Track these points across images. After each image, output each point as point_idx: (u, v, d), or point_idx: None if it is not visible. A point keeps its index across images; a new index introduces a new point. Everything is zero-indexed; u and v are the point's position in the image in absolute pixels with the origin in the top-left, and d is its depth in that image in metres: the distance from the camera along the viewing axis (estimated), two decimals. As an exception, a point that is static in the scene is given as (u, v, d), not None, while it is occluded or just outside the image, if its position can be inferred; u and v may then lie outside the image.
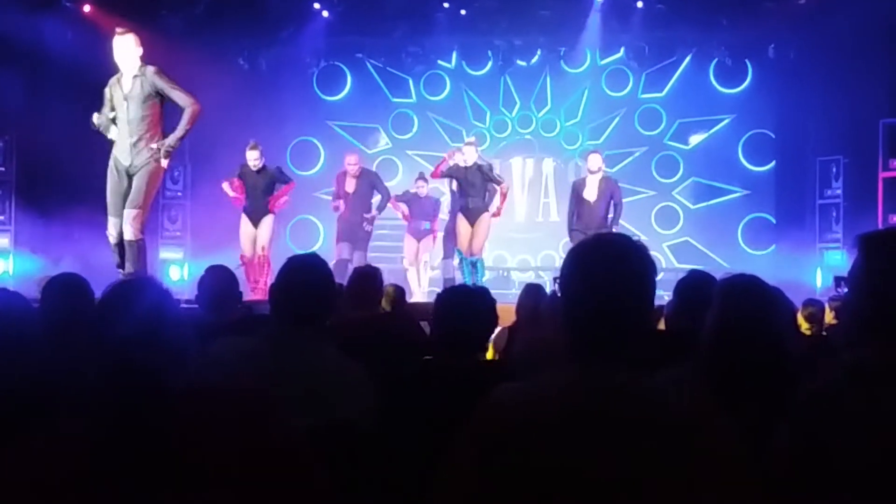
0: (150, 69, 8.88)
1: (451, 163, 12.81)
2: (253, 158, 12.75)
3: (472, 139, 13.49)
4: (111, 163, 9.13)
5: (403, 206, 14.01)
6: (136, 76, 8.92)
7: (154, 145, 8.88)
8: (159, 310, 2.46)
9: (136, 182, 8.96)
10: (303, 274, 3.78)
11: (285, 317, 3.71)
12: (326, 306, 3.82)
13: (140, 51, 8.96)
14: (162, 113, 9.13)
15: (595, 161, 13.12)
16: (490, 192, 12.97)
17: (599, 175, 13.06)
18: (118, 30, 9.14)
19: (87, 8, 14.03)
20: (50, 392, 2.91)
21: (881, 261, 2.51)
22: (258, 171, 12.84)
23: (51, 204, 13.73)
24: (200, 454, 2.27)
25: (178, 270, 15.73)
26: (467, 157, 12.73)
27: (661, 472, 2.14)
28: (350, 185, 13.82)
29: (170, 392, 2.34)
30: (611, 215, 13.03)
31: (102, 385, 2.38)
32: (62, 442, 2.30)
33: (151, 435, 2.27)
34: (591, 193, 12.99)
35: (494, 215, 12.85)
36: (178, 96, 8.95)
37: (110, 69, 13.09)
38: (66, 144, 13.45)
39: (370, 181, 13.93)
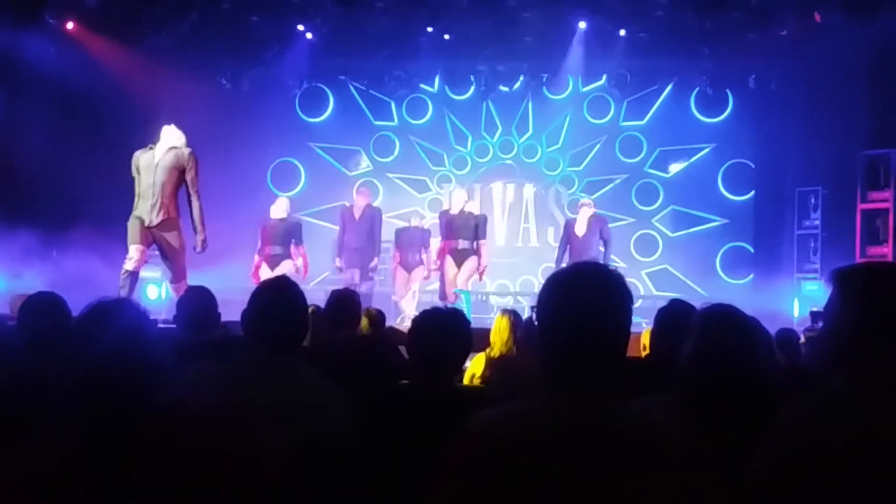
0: (188, 150, 10.32)
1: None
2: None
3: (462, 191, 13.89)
4: (133, 217, 10.25)
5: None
6: (172, 147, 10.19)
7: (197, 245, 10.50)
8: (136, 330, 2.46)
9: (170, 255, 10.45)
10: (273, 299, 3.78)
11: (258, 342, 3.70)
12: (298, 330, 3.82)
13: (183, 137, 10.36)
14: (180, 184, 10.28)
15: (585, 213, 13.55)
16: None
17: (588, 216, 13.36)
18: (169, 125, 10.52)
19: (70, 25, 14.00)
20: (26, 408, 2.90)
21: (854, 295, 2.54)
22: (281, 221, 13.21)
23: (30, 222, 13.66)
24: (176, 473, 2.27)
25: (156, 290, 15.66)
26: (454, 203, 13.24)
27: (639, 498, 2.14)
28: (357, 213, 13.97)
29: (146, 411, 2.34)
30: (601, 249, 13.29)
31: (79, 403, 2.38)
32: (38, 458, 2.29)
33: (127, 452, 2.27)
34: (580, 228, 13.36)
35: (480, 272, 13.29)
36: (192, 182, 10.30)
37: (93, 86, 13.14)
38: (48, 161, 13.41)
39: (373, 215, 14.14)
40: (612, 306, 2.33)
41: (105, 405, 2.34)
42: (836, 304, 2.59)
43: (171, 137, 10.36)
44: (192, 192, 10.30)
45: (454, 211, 13.13)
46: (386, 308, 9.91)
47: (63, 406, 2.43)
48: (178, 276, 10.55)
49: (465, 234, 13.00)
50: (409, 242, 14.12)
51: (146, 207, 10.17)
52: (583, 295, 2.32)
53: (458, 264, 12.99)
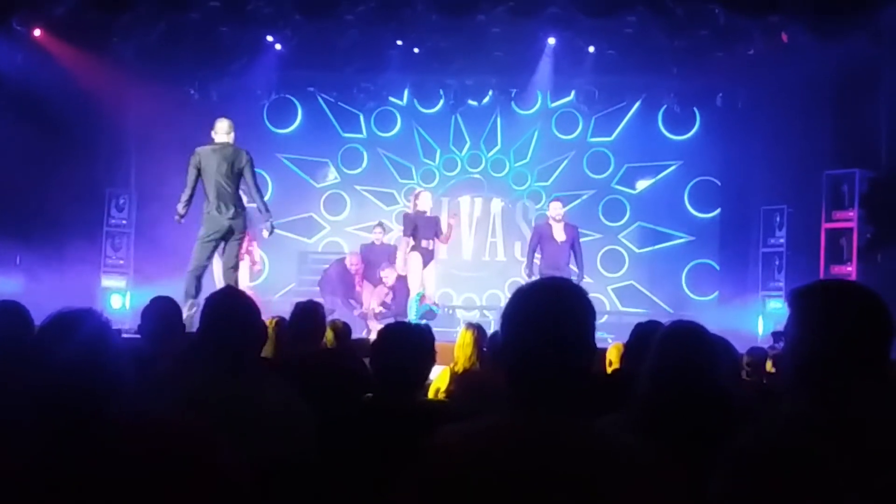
0: (246, 151, 10.58)
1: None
2: None
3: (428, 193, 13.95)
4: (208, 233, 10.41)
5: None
6: (234, 149, 10.51)
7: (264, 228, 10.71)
8: (98, 341, 2.45)
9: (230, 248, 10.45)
10: (221, 311, 3.76)
11: (216, 354, 3.68)
12: (253, 339, 3.80)
13: (234, 135, 10.63)
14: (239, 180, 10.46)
15: (557, 209, 13.48)
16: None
17: (563, 222, 13.29)
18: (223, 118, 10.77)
19: (37, 32, 13.91)
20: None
21: (811, 314, 2.55)
22: None
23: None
24: (135, 486, 2.25)
25: (119, 299, 15.60)
26: (423, 204, 13.36)
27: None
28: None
29: (106, 423, 2.32)
30: (574, 269, 13.30)
31: (39, 414, 2.36)
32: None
33: (86, 464, 2.26)
34: (559, 234, 13.33)
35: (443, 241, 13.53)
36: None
37: (60, 94, 13.01)
38: (14, 167, 13.30)
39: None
40: (575, 323, 2.32)
41: (65, 417, 2.33)
42: (794, 324, 2.60)
43: (226, 136, 10.52)
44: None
45: (422, 211, 13.20)
46: (351, 319, 9.93)
47: (23, 417, 2.41)
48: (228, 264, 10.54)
49: (429, 234, 13.10)
50: (376, 260, 14.24)
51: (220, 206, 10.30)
52: (546, 308, 2.32)
53: (426, 264, 13.11)
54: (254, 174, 10.24)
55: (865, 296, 2.58)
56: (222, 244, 10.41)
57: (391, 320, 13.57)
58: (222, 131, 10.41)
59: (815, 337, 2.51)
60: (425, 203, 13.27)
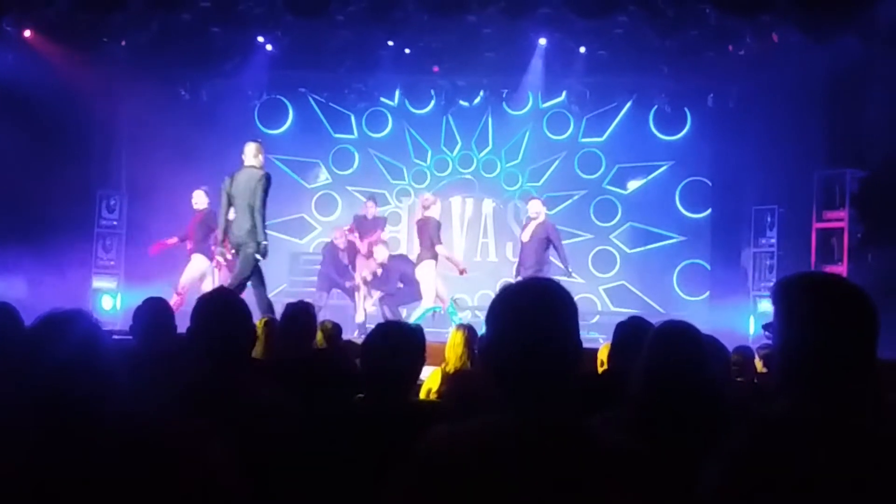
0: (263, 173, 10.47)
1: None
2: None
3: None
4: None
5: None
6: (253, 170, 10.45)
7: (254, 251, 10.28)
8: (90, 342, 2.44)
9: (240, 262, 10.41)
10: (213, 313, 3.75)
11: (207, 355, 3.67)
12: (244, 341, 3.79)
13: (261, 158, 10.66)
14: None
15: (533, 207, 13.44)
16: None
17: (538, 219, 13.22)
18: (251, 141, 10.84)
19: (27, 33, 13.87)
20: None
21: (800, 309, 2.53)
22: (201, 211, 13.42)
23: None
24: (128, 487, 2.25)
25: (110, 300, 15.57)
26: (437, 212, 13.33)
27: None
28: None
29: (99, 425, 2.32)
30: (559, 265, 13.21)
31: (33, 414, 2.36)
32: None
33: (80, 466, 2.25)
34: (525, 235, 13.34)
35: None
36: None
37: (51, 94, 12.96)
38: (5, 168, 13.27)
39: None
40: (556, 320, 2.31)
41: (57, 417, 2.33)
42: (781, 320, 2.58)
43: (250, 155, 10.56)
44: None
45: (434, 219, 13.13)
46: (343, 319, 9.91)
47: (14, 418, 2.40)
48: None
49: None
50: (366, 232, 14.34)
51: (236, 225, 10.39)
52: (525, 308, 2.31)
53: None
54: (261, 196, 10.18)
55: (851, 289, 2.56)
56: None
57: (379, 303, 13.72)
58: (250, 154, 10.52)
59: (805, 332, 2.49)
60: (437, 212, 13.23)
